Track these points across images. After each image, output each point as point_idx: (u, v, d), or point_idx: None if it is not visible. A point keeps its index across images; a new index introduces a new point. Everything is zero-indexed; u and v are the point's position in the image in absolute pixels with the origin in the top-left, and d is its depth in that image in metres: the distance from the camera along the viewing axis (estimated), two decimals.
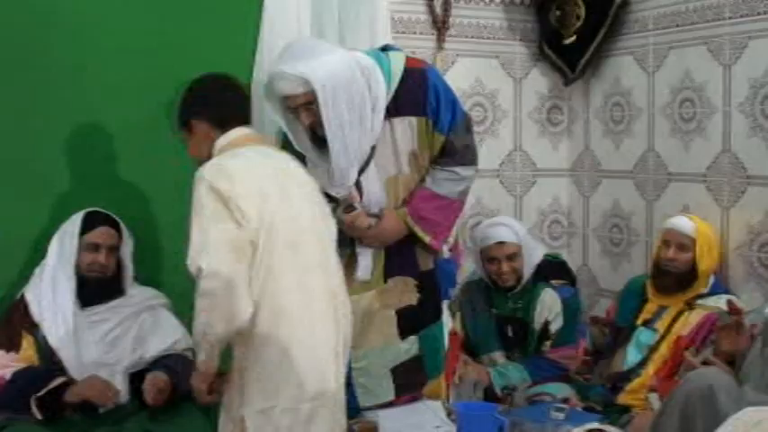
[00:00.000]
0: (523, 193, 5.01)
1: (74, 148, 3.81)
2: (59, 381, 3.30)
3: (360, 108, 3.26)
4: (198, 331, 2.62)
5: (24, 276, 3.60)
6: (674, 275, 3.84)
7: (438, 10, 4.65)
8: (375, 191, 3.45)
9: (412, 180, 3.49)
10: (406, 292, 3.51)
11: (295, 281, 2.70)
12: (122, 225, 3.62)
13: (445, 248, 3.58)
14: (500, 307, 4.15)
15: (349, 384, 3.31)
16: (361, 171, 3.40)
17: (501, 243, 4.08)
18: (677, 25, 4.34)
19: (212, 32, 3.96)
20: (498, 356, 4.13)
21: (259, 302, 2.62)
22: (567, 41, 4.80)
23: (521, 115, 4.98)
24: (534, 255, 4.16)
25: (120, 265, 3.60)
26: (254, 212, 2.63)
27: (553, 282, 4.16)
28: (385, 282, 3.49)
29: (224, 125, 2.90)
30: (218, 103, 2.95)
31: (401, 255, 3.50)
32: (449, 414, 3.36)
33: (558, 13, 4.80)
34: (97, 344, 3.46)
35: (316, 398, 2.67)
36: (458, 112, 3.47)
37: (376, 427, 3.16)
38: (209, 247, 2.57)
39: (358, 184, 3.43)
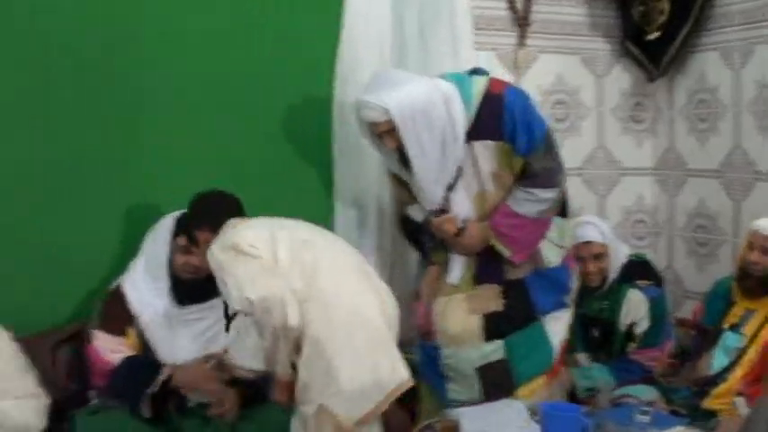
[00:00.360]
0: (607, 192, 4.95)
1: (167, 152, 3.91)
2: (166, 373, 3.36)
3: (440, 134, 3.46)
4: (267, 348, 2.86)
5: (108, 269, 3.71)
6: (759, 279, 3.73)
7: (519, 6, 4.62)
8: (463, 206, 3.63)
9: (498, 197, 3.62)
10: (492, 299, 3.64)
11: (327, 268, 2.93)
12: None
13: (552, 257, 3.69)
14: (585, 307, 4.09)
15: (440, 377, 3.70)
16: (450, 188, 3.59)
17: (587, 242, 4.02)
18: (764, 20, 4.25)
19: (293, 43, 4.08)
20: (582, 357, 4.08)
21: (304, 304, 2.84)
22: (651, 37, 4.72)
23: (604, 113, 4.92)
24: (620, 255, 4.09)
25: None
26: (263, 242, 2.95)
27: (639, 282, 4.08)
28: (474, 287, 3.66)
29: None
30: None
31: (489, 263, 3.65)
32: (532, 414, 3.33)
33: (641, 8, 4.73)
34: (193, 341, 3.50)
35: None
36: (536, 135, 3.53)
37: (457, 427, 3.13)
38: (246, 281, 2.82)
39: (447, 200, 3.61)
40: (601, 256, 4.02)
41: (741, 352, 3.71)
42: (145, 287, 3.52)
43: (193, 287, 3.52)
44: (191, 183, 3.75)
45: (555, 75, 4.78)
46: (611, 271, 4.04)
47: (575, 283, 3.79)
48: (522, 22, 4.62)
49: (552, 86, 4.78)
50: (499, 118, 3.49)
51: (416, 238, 3.87)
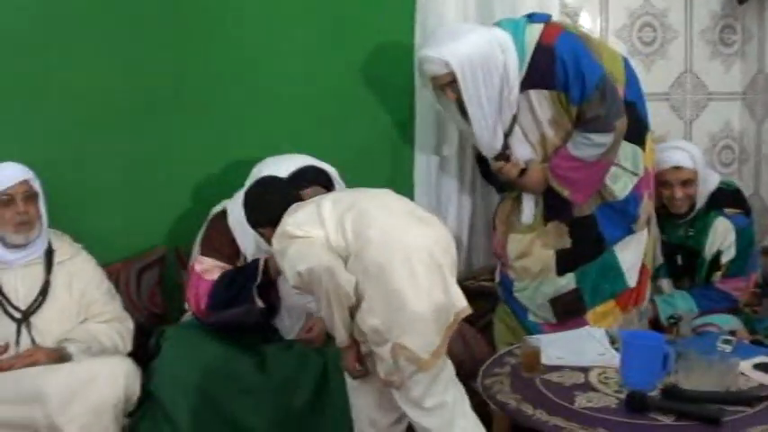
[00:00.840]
0: (693, 118, 4.86)
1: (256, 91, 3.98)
2: (263, 262, 3.42)
3: (498, 83, 3.55)
4: (326, 316, 2.90)
5: (190, 199, 3.81)
6: None
7: None
8: (524, 152, 3.73)
9: (558, 140, 3.69)
10: (561, 236, 3.76)
11: (378, 214, 2.92)
12: (334, 177, 3.61)
13: (619, 190, 3.73)
14: (671, 234, 4.05)
15: (516, 303, 3.88)
16: (507, 135, 3.68)
17: (677, 168, 3.95)
18: None
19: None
20: (665, 284, 4.06)
21: (360, 254, 2.84)
22: None
23: (691, 36, 4.81)
24: (709, 182, 4.03)
25: None
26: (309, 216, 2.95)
27: (727, 210, 4.02)
28: (545, 225, 3.78)
29: None
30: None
31: (557, 202, 3.73)
32: (612, 342, 3.33)
33: None
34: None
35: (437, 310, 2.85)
36: (588, 84, 3.54)
37: (538, 353, 3.15)
38: (295, 258, 2.85)
39: (507, 146, 3.71)
40: (690, 182, 3.95)
41: None
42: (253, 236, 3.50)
43: None
44: (276, 122, 3.97)
45: None
46: (699, 198, 3.98)
47: (644, 210, 3.80)
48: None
49: (640, 8, 4.67)
50: (551, 69, 3.56)
51: (490, 174, 3.95)
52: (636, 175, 3.74)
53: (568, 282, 3.76)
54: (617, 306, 3.81)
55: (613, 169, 3.71)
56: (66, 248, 3.50)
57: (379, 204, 2.98)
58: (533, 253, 3.79)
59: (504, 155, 3.71)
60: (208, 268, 3.49)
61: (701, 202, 3.99)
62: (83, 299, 3.45)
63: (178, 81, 3.86)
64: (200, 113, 3.89)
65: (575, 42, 3.60)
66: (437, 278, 2.84)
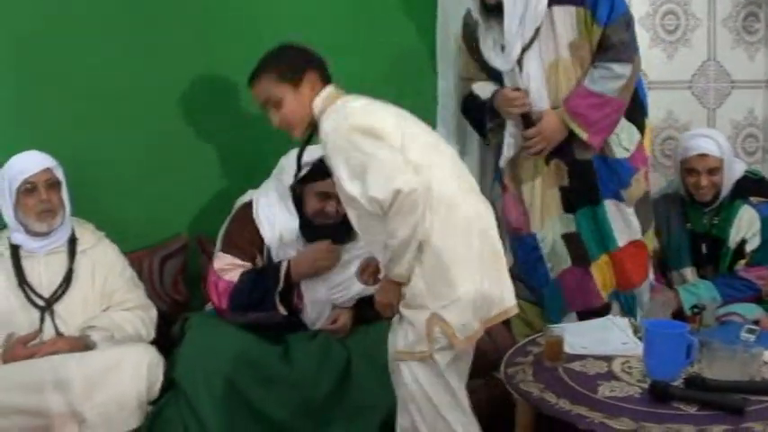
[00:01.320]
0: (717, 106, 4.83)
1: None
2: (285, 266, 3.40)
3: None
4: (401, 244, 2.69)
5: (214, 186, 3.80)
6: None
7: None
8: (536, 74, 3.70)
9: (572, 69, 3.71)
10: (561, 175, 3.82)
11: (449, 175, 2.83)
12: None
13: (620, 150, 3.79)
14: (696, 222, 4.05)
15: (539, 260, 3.91)
16: (525, 49, 3.66)
17: (703, 155, 3.96)
18: None
19: None
20: (689, 273, 4.05)
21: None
22: None
23: (714, 23, 4.78)
24: (735, 170, 4.03)
25: None
26: (399, 133, 2.75)
27: (752, 199, 4.01)
28: (547, 164, 3.82)
29: (326, 80, 2.95)
30: (319, 58, 3.01)
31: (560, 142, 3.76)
32: (636, 331, 3.33)
33: None
34: (325, 282, 3.49)
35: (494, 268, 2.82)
36: (617, 6, 3.62)
37: (561, 341, 3.14)
38: (395, 171, 2.65)
39: (520, 63, 3.68)
40: (715, 170, 3.95)
41: None
42: (279, 211, 3.51)
43: (326, 229, 3.48)
44: None
45: None
46: (724, 187, 3.97)
47: (636, 183, 3.84)
48: None
49: None
50: None
51: (478, 118, 3.92)
52: (627, 150, 3.79)
53: (570, 223, 3.84)
54: (611, 262, 3.86)
55: (613, 137, 3.76)
56: (88, 236, 3.51)
57: (452, 164, 2.89)
58: (544, 194, 3.84)
59: (518, 89, 3.69)
60: (225, 267, 3.47)
61: (726, 190, 3.98)
62: (106, 286, 3.46)
63: (200, 68, 3.86)
64: (221, 100, 3.89)
65: None
66: (493, 265, 2.81)
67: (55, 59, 3.67)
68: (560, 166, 3.81)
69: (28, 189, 3.34)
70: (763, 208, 3.98)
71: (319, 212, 3.47)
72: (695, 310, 3.73)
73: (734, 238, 3.96)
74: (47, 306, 3.34)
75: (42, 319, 3.31)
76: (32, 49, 3.64)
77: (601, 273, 3.86)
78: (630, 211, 3.83)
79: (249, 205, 3.58)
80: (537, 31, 3.64)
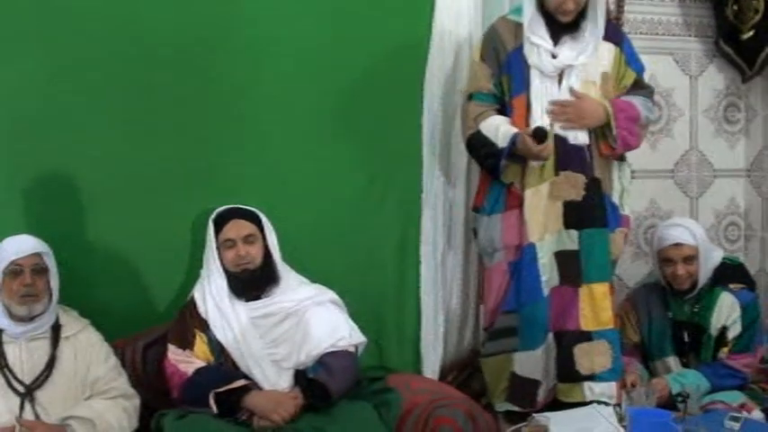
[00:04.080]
0: (699, 195, 4.89)
1: (246, 146, 3.93)
2: (240, 383, 3.39)
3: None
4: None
5: (196, 277, 3.71)
6: None
7: (611, 6, 4.58)
8: (574, 86, 3.78)
9: (600, 96, 3.81)
10: (574, 187, 3.78)
11: None
12: (261, 215, 3.65)
13: (621, 203, 3.93)
14: (677, 311, 4.07)
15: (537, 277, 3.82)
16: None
17: (678, 245, 3.99)
18: None
19: (384, 53, 4.10)
20: (672, 361, 4.05)
21: None
22: (745, 36, 4.67)
23: (696, 114, 4.87)
24: (712, 258, 4.06)
25: (268, 255, 3.63)
26: None
27: (732, 286, 4.03)
28: (556, 174, 3.77)
29: None
30: None
31: (576, 153, 3.79)
32: (620, 420, 3.32)
33: (734, 7, 4.67)
34: (262, 339, 3.52)
35: None
36: (643, 67, 3.97)
37: (546, 430, 3.13)
38: None
39: (560, 76, 3.79)
40: (691, 258, 3.98)
41: None
42: (211, 290, 3.56)
43: (249, 279, 3.55)
44: (280, 188, 3.90)
45: (648, 75, 4.66)
46: (702, 274, 4.00)
47: (619, 236, 3.92)
48: (614, 22, 4.59)
49: None
50: (620, 36, 3.93)
51: (492, 163, 3.84)
52: (622, 208, 3.94)
53: (572, 240, 3.79)
54: (609, 295, 3.84)
55: (624, 189, 3.93)
56: (72, 323, 3.49)
57: None
58: (547, 205, 3.79)
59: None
60: (176, 357, 3.51)
61: (704, 278, 4.00)
62: (89, 374, 3.42)
63: (182, 159, 3.85)
64: (204, 188, 3.88)
65: None
66: None
67: (51, 146, 3.68)
68: (576, 178, 3.77)
69: (14, 271, 3.32)
70: (742, 294, 4.01)
71: (235, 260, 3.54)
72: (680, 398, 3.73)
73: (715, 326, 3.97)
74: (27, 393, 3.29)
75: (22, 406, 3.26)
76: (29, 132, 3.66)
77: (595, 298, 3.81)
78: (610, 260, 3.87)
79: (192, 294, 3.64)
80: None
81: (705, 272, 4.02)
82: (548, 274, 3.80)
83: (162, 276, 3.86)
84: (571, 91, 3.75)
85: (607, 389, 3.77)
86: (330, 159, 4.02)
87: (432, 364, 4.17)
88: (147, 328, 3.78)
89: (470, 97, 3.88)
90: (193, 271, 3.74)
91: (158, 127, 3.81)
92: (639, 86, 3.90)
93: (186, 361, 3.49)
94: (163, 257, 3.84)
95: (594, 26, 3.75)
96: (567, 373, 3.81)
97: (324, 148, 4.01)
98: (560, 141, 3.74)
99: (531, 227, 3.78)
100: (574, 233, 3.79)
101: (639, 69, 3.91)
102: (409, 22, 4.12)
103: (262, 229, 3.64)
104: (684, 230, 4.04)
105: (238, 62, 3.89)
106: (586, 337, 3.79)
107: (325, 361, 3.51)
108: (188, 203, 3.85)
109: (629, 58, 3.87)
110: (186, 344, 3.52)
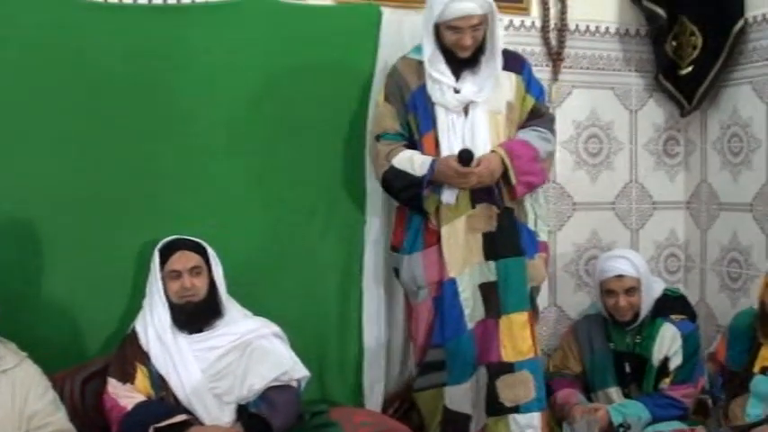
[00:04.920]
0: (639, 227, 4.94)
1: (189, 178, 3.93)
2: (181, 418, 3.36)
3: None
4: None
5: (138, 308, 3.67)
6: None
7: (553, 41, 4.64)
8: (480, 120, 3.79)
9: (506, 126, 3.84)
10: (490, 219, 3.80)
11: None
12: (207, 247, 3.64)
13: (536, 229, 3.93)
14: (618, 341, 4.10)
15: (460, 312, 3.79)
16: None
17: (620, 276, 4.03)
18: None
19: (328, 69, 4.11)
20: (614, 392, 4.07)
21: None
22: (684, 72, 4.73)
23: (636, 147, 4.92)
24: (653, 289, 4.10)
25: (213, 287, 3.61)
26: None
27: (673, 317, 4.07)
28: (473, 207, 3.78)
29: None
30: None
31: (485, 187, 3.77)
32: None
33: (673, 43, 4.74)
34: (204, 372, 3.49)
35: None
36: (545, 94, 4.04)
37: None
38: None
39: (466, 110, 3.79)
40: (633, 290, 4.01)
41: None
42: (153, 322, 3.53)
43: (193, 311, 3.53)
44: (221, 218, 3.89)
45: (589, 109, 4.79)
46: (643, 306, 4.03)
47: (540, 260, 3.94)
48: (555, 57, 4.65)
49: (586, 120, 4.78)
50: (520, 63, 3.93)
51: (413, 194, 3.81)
52: (539, 234, 3.95)
53: (491, 272, 3.78)
54: (529, 323, 3.82)
55: (535, 216, 3.93)
56: (10, 357, 3.43)
57: None
58: (465, 239, 3.78)
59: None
60: (119, 392, 3.47)
61: (645, 309, 4.04)
62: (26, 409, 3.36)
63: (123, 189, 3.83)
64: (146, 218, 3.86)
65: None
66: None
67: None
68: (490, 211, 3.79)
69: None
70: (683, 325, 4.04)
71: (179, 292, 3.52)
72: (622, 428, 3.77)
73: (657, 356, 4.00)
74: None
75: None
76: None
77: (513, 328, 3.78)
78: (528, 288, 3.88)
79: (133, 327, 3.61)
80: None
81: (647, 303, 4.05)
82: (471, 307, 3.79)
83: (102, 308, 3.81)
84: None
85: (532, 420, 3.76)
86: (272, 189, 4.02)
87: (374, 397, 4.16)
88: (87, 361, 3.73)
89: (378, 138, 3.88)
90: (134, 302, 3.70)
91: (99, 157, 3.78)
92: (538, 113, 3.90)
93: (126, 395, 3.45)
94: (103, 288, 3.81)
95: (492, 60, 3.77)
96: (493, 406, 3.79)
97: (266, 178, 4.02)
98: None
99: (450, 262, 3.77)
100: (492, 264, 3.78)
101: (538, 95, 3.92)
102: (354, 56, 4.14)
103: (207, 261, 3.62)
104: (626, 262, 4.08)
105: (183, 92, 3.89)
106: (508, 368, 3.76)
107: (267, 395, 3.51)
108: (129, 233, 3.82)
109: (528, 84, 3.89)
110: (127, 377, 3.49)
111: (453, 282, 3.77)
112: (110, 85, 3.78)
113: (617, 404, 4.01)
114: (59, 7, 3.74)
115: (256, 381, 3.51)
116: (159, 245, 3.60)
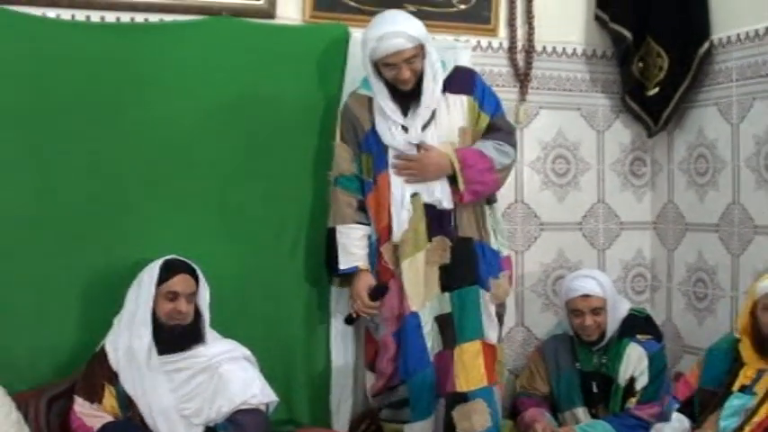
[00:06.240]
0: (606, 247, 4.95)
1: (155, 197, 3.91)
2: None
3: (436, 69, 3.80)
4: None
5: (105, 326, 3.64)
6: None
7: (520, 62, 4.65)
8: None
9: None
10: (444, 251, 3.82)
11: None
12: (199, 272, 3.64)
13: (497, 245, 3.97)
14: (585, 361, 4.11)
15: (423, 349, 3.81)
16: (423, 128, 3.80)
17: (586, 296, 4.04)
18: (761, 75, 4.29)
19: (295, 89, 4.10)
20: (581, 412, 4.07)
21: None
22: (650, 93, 4.75)
23: (603, 167, 4.94)
24: (620, 309, 4.12)
25: (197, 313, 3.62)
26: None
27: (639, 336, 4.08)
28: (429, 241, 3.82)
29: None
30: None
31: (441, 219, 3.82)
32: None
33: (640, 64, 4.77)
34: (173, 392, 3.48)
35: None
36: (501, 107, 3.98)
37: None
38: None
39: (419, 146, 3.81)
40: (599, 310, 4.02)
41: (752, 412, 3.64)
42: (127, 339, 3.51)
43: (177, 334, 3.53)
44: (188, 238, 3.87)
45: (556, 130, 4.80)
46: (610, 325, 4.04)
47: (504, 279, 3.97)
48: (522, 78, 4.66)
49: (553, 141, 4.80)
50: (471, 82, 3.91)
51: (329, 255, 3.93)
52: (501, 251, 3.99)
53: (446, 303, 3.81)
54: (483, 353, 3.81)
55: (495, 231, 3.97)
56: None
57: None
58: (424, 273, 3.81)
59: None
60: (86, 412, 3.46)
61: (612, 329, 4.05)
62: None
63: (87, 207, 3.81)
64: (110, 237, 3.85)
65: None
66: None
67: None
68: (444, 242, 3.81)
69: None
70: (649, 345, 4.05)
71: (171, 313, 3.51)
72: None
73: (623, 376, 4.01)
74: None
75: None
76: None
77: (465, 357, 3.78)
78: (493, 308, 3.89)
79: (103, 346, 3.58)
80: (433, 113, 3.79)
81: (613, 323, 4.07)
82: (431, 340, 3.82)
83: (68, 326, 3.79)
84: (419, 145, 3.79)
85: None
86: (239, 209, 4.02)
87: (341, 417, 4.16)
88: (53, 381, 3.70)
89: (336, 182, 3.92)
90: (101, 321, 3.67)
91: (60, 174, 3.77)
92: (495, 128, 3.89)
93: (93, 415, 3.43)
94: (69, 307, 3.79)
95: (432, 91, 3.77)
96: None
97: (234, 199, 4.01)
98: (429, 209, 3.81)
99: (412, 296, 3.79)
100: (447, 296, 3.81)
101: (493, 111, 3.91)
102: (322, 75, 4.15)
103: (197, 286, 3.62)
104: (592, 281, 4.10)
105: (148, 111, 3.87)
106: (462, 398, 3.76)
107: (235, 418, 3.50)
108: (93, 252, 3.81)
109: (481, 102, 3.88)
110: (94, 396, 3.47)
111: (416, 316, 3.80)
112: (74, 104, 3.78)
113: (584, 424, 4.01)
114: (23, 25, 3.73)
115: (225, 403, 3.50)
116: (160, 262, 3.57)
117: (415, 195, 3.81)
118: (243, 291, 4.00)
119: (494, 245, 3.93)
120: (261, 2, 4.13)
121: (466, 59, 4.33)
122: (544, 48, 4.74)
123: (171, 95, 3.90)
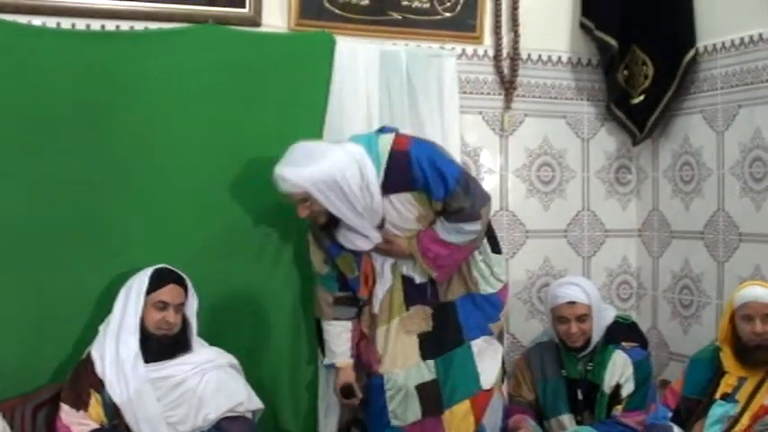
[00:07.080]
0: (592, 254, 4.97)
1: (140, 207, 3.90)
2: None
3: (359, 193, 3.57)
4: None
5: (91, 334, 3.64)
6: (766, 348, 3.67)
7: (505, 70, 4.67)
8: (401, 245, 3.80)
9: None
10: (422, 320, 3.81)
11: None
12: (188, 282, 3.64)
13: (484, 287, 3.88)
14: (570, 369, 4.10)
15: (384, 406, 3.79)
16: (380, 228, 3.75)
17: (571, 303, 4.04)
18: (747, 83, 4.31)
19: (281, 97, 4.11)
20: (567, 420, 4.06)
21: None
22: (635, 101, 4.78)
23: (588, 175, 4.95)
24: (605, 316, 4.11)
25: (184, 322, 3.62)
26: None
27: (624, 344, 4.09)
28: (407, 310, 3.82)
29: None
30: None
31: (421, 289, 3.83)
32: None
33: (625, 72, 4.79)
34: (160, 400, 3.47)
35: None
36: (449, 181, 3.62)
37: None
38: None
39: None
40: (584, 317, 4.02)
41: (735, 420, 3.63)
42: (114, 347, 3.51)
43: (164, 343, 3.54)
44: (173, 249, 3.85)
45: (541, 137, 4.81)
46: (595, 333, 4.04)
47: (502, 314, 3.95)
48: (508, 85, 4.67)
49: (538, 149, 4.80)
50: (408, 173, 3.61)
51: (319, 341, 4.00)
52: (500, 282, 3.91)
53: (429, 370, 3.77)
54: (472, 408, 3.79)
55: (485, 269, 3.86)
56: None
57: None
58: (399, 340, 3.80)
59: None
60: (70, 417, 3.46)
61: (597, 336, 4.05)
62: None
63: (78, 213, 3.80)
64: (96, 247, 3.84)
65: (427, 146, 3.74)
66: None
67: None
68: (424, 311, 3.81)
69: None
70: (634, 352, 4.05)
71: (159, 323, 3.51)
72: None
73: (608, 383, 4.00)
74: None
75: None
76: None
77: (454, 420, 3.76)
78: (493, 345, 3.89)
79: (89, 353, 3.58)
80: (384, 219, 3.72)
81: (598, 330, 4.07)
82: (398, 409, 3.77)
83: (53, 334, 3.78)
84: (384, 236, 3.76)
85: None
86: (224, 218, 4.01)
87: (328, 425, 4.16)
88: (38, 389, 3.69)
89: (315, 276, 3.93)
90: (87, 329, 3.68)
91: (50, 186, 3.76)
92: (451, 210, 3.66)
93: (79, 422, 3.43)
94: (54, 315, 3.77)
95: (358, 216, 3.65)
96: None
97: (218, 207, 4.00)
98: (407, 281, 3.84)
99: (381, 360, 3.81)
100: (431, 363, 3.78)
101: (442, 195, 3.62)
102: (308, 84, 4.16)
103: (186, 296, 3.63)
104: (578, 289, 4.09)
105: (133, 119, 3.87)
106: None
107: (222, 426, 3.52)
108: (79, 261, 3.81)
109: (427, 190, 3.63)
110: (80, 404, 3.46)
111: (380, 378, 3.80)
112: (59, 112, 3.77)
113: (570, 430, 4.01)
114: (7, 33, 3.72)
115: (211, 410, 3.50)
116: (150, 271, 3.58)
117: (395, 264, 3.85)
118: (229, 299, 4.00)
119: (485, 289, 3.88)
120: (246, 10, 4.13)
121: (451, 67, 4.36)
122: (529, 55, 4.75)
123: (157, 103, 3.89)
